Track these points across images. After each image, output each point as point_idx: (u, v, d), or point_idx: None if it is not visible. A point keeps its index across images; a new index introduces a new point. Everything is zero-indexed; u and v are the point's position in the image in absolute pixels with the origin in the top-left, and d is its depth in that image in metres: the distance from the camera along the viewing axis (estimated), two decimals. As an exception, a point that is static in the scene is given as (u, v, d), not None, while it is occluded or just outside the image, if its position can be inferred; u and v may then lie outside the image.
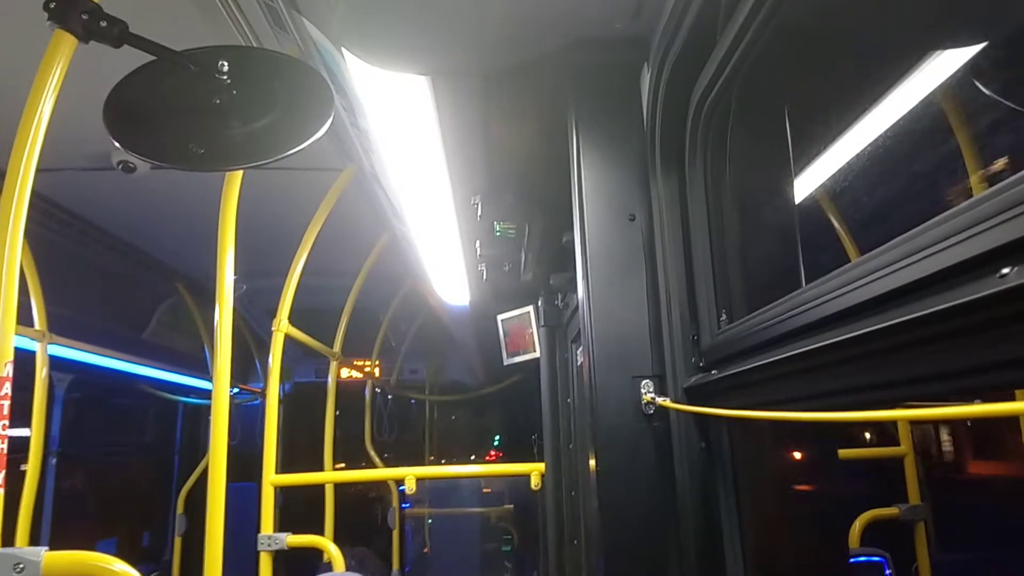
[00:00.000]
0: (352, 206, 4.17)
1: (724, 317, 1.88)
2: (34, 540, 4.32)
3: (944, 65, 1.98)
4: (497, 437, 11.27)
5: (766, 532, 1.88)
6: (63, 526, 5.64)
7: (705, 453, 1.87)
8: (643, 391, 1.96)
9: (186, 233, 5.00)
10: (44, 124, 1.76)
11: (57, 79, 1.77)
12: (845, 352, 1.20)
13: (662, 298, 2.01)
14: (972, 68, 1.92)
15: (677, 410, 1.87)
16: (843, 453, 3.17)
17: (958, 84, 2.05)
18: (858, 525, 3.68)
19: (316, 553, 3.84)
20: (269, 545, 3.58)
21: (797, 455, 2.07)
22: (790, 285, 1.59)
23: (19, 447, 4.14)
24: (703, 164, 1.95)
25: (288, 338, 3.91)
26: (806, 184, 2.61)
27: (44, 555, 1.78)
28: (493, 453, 11.21)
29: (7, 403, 1.74)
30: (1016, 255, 0.82)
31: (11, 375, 1.73)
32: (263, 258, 4.53)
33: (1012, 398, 1.90)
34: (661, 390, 1.96)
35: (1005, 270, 0.82)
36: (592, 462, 2.07)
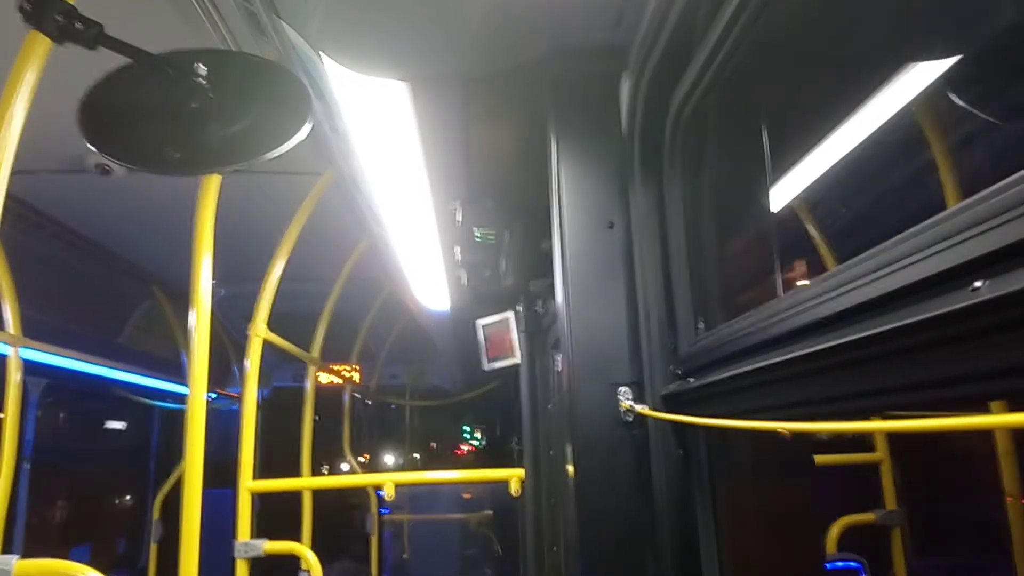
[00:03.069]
0: (331, 210, 4.15)
1: (701, 325, 1.88)
2: (6, 547, 4.26)
3: (919, 77, 2.00)
4: (467, 428, 11.17)
5: (743, 538, 1.89)
6: (36, 532, 5.56)
7: (683, 460, 1.87)
8: (621, 398, 1.96)
9: (162, 236, 4.94)
10: (18, 126, 1.73)
11: (32, 81, 1.74)
12: (821, 362, 1.20)
13: (640, 306, 2.01)
14: (947, 80, 1.94)
15: (655, 418, 1.87)
16: (820, 459, 3.20)
17: (933, 95, 2.07)
18: (835, 530, 3.71)
19: (293, 560, 3.81)
20: (246, 552, 3.54)
21: (774, 461, 2.07)
22: (767, 293, 1.60)
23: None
24: (681, 172, 1.96)
25: (266, 343, 3.89)
26: (783, 193, 2.63)
27: (15, 563, 1.75)
28: (464, 448, 11.15)
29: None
30: (988, 268, 0.82)
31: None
32: (240, 262, 4.50)
33: (987, 410, 1.93)
34: (639, 397, 1.96)
35: (977, 283, 0.82)
36: (571, 469, 2.07)
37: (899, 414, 1.17)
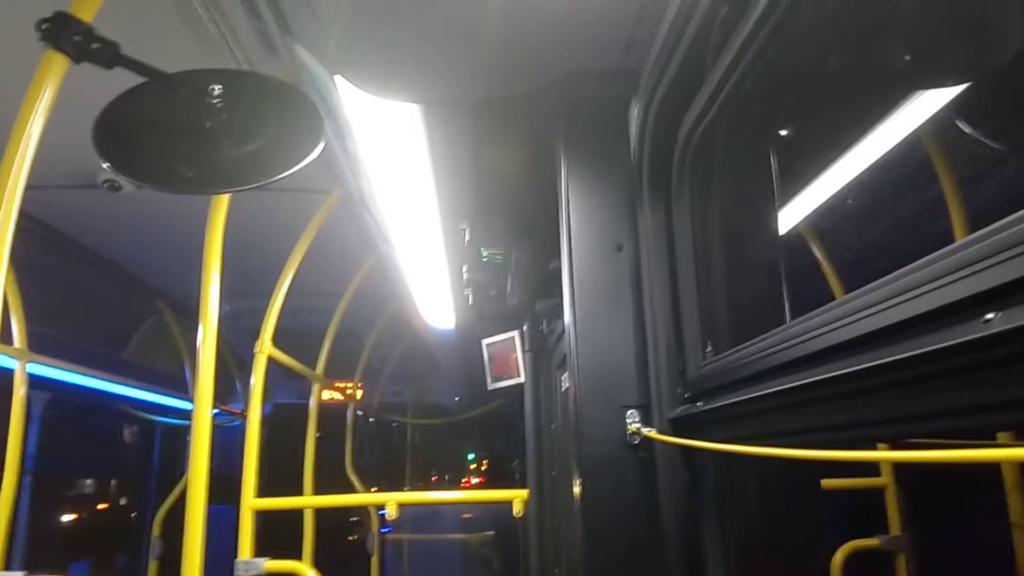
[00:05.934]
0: (338, 228, 4.16)
1: (710, 349, 1.89)
2: (7, 561, 4.24)
3: (928, 105, 2.02)
4: (472, 455, 11.16)
5: (750, 564, 1.88)
6: (36, 546, 5.53)
7: (690, 484, 1.87)
8: (628, 421, 1.96)
9: (169, 252, 4.96)
10: (33, 144, 1.75)
11: (48, 100, 1.76)
12: (830, 390, 1.20)
13: (648, 328, 2.02)
14: (955, 109, 1.95)
15: (662, 441, 1.87)
16: (826, 483, 3.19)
17: (942, 123, 2.08)
18: (839, 556, 3.68)
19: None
20: (247, 571, 3.52)
21: (781, 485, 2.06)
22: (775, 318, 1.60)
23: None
24: (690, 197, 1.97)
25: (270, 359, 3.88)
26: (792, 218, 2.64)
27: (21, 580, 1.74)
28: (471, 480, 11.14)
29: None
30: (1001, 300, 0.83)
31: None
32: (246, 278, 4.50)
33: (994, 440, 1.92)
34: (647, 420, 1.96)
35: (989, 315, 0.83)
36: (577, 491, 2.07)
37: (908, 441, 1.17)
